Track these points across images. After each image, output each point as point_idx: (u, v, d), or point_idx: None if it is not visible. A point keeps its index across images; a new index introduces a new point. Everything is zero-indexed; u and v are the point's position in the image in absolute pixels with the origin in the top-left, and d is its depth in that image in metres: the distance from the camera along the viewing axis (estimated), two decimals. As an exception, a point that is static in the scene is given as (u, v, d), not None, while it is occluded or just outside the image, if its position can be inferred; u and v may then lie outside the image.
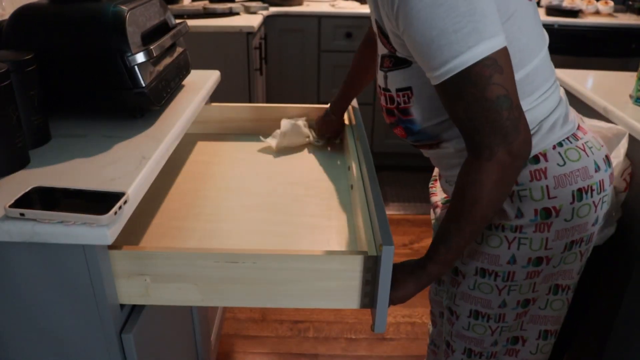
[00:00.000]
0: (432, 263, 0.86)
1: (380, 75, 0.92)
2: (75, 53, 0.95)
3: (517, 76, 0.80)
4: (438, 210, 1.06)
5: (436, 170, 1.17)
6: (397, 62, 0.86)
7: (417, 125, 0.90)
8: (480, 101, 0.72)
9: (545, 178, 0.86)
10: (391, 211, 2.59)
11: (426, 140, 0.93)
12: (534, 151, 0.86)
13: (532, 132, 0.84)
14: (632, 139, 1.19)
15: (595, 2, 2.87)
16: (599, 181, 0.90)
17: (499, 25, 0.72)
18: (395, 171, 2.98)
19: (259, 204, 1.08)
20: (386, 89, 0.90)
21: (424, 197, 2.74)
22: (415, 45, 0.75)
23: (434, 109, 0.86)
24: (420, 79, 0.83)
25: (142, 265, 0.78)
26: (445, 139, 0.91)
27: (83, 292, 0.75)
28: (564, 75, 1.58)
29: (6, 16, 1.17)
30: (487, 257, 0.93)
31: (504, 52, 0.72)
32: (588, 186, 0.88)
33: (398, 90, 0.88)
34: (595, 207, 0.90)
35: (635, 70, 1.45)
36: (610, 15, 2.87)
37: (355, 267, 0.78)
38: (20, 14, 0.98)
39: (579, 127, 0.92)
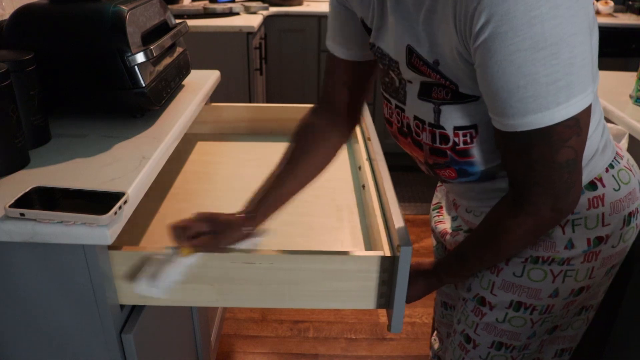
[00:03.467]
0: (445, 275, 0.87)
1: (423, 106, 0.76)
2: (75, 53, 0.95)
3: None
4: (448, 237, 0.98)
5: (438, 198, 1.10)
6: (457, 95, 0.72)
7: (477, 167, 0.77)
8: (548, 162, 0.65)
9: (603, 205, 0.80)
10: (391, 211, 2.59)
11: (478, 181, 0.81)
12: (591, 176, 0.79)
13: (590, 156, 0.78)
14: (632, 139, 1.19)
15: (595, 2, 2.87)
16: None
17: (590, 76, 0.62)
18: (394, 171, 2.97)
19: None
20: (437, 126, 0.75)
21: (424, 197, 2.74)
22: (491, 87, 0.63)
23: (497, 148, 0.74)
24: (489, 116, 0.68)
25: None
26: (501, 176, 0.80)
27: (83, 292, 0.75)
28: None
29: (6, 16, 1.17)
30: (526, 291, 0.85)
31: (588, 110, 0.64)
32: (636, 209, 0.83)
33: (458, 128, 0.73)
34: (637, 228, 0.85)
35: (635, 70, 1.45)
36: (610, 15, 2.87)
37: (372, 267, 0.78)
38: (20, 14, 0.98)
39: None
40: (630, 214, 0.83)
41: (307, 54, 2.83)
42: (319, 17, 2.76)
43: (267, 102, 2.88)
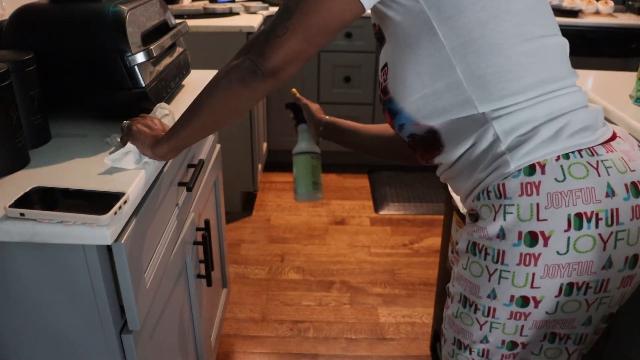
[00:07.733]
0: (165, 135, 0.87)
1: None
2: (76, 53, 0.95)
3: (484, 69, 0.73)
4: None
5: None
6: (379, 39, 0.87)
7: (395, 104, 0.82)
8: (277, 19, 0.75)
9: (537, 194, 0.72)
10: (391, 211, 2.59)
11: (409, 126, 0.82)
12: (530, 158, 0.73)
13: (525, 136, 0.74)
14: (632, 139, 1.19)
15: (595, 2, 2.87)
16: (611, 210, 0.72)
17: None
18: (395, 171, 2.98)
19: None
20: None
21: (424, 197, 2.74)
22: None
23: (407, 85, 0.78)
24: (393, 54, 0.81)
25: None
26: (435, 128, 0.80)
27: (83, 292, 0.75)
28: (564, 75, 1.58)
29: (6, 16, 1.17)
30: (468, 285, 0.81)
31: (313, 14, 0.71)
32: (593, 213, 0.71)
33: (381, 70, 0.85)
34: (604, 242, 0.72)
35: (635, 70, 1.45)
36: (610, 15, 2.87)
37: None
38: (20, 14, 0.98)
39: (604, 143, 0.75)
40: (579, 215, 0.71)
41: (307, 54, 2.83)
42: (319, 17, 2.75)
43: (267, 102, 2.88)
